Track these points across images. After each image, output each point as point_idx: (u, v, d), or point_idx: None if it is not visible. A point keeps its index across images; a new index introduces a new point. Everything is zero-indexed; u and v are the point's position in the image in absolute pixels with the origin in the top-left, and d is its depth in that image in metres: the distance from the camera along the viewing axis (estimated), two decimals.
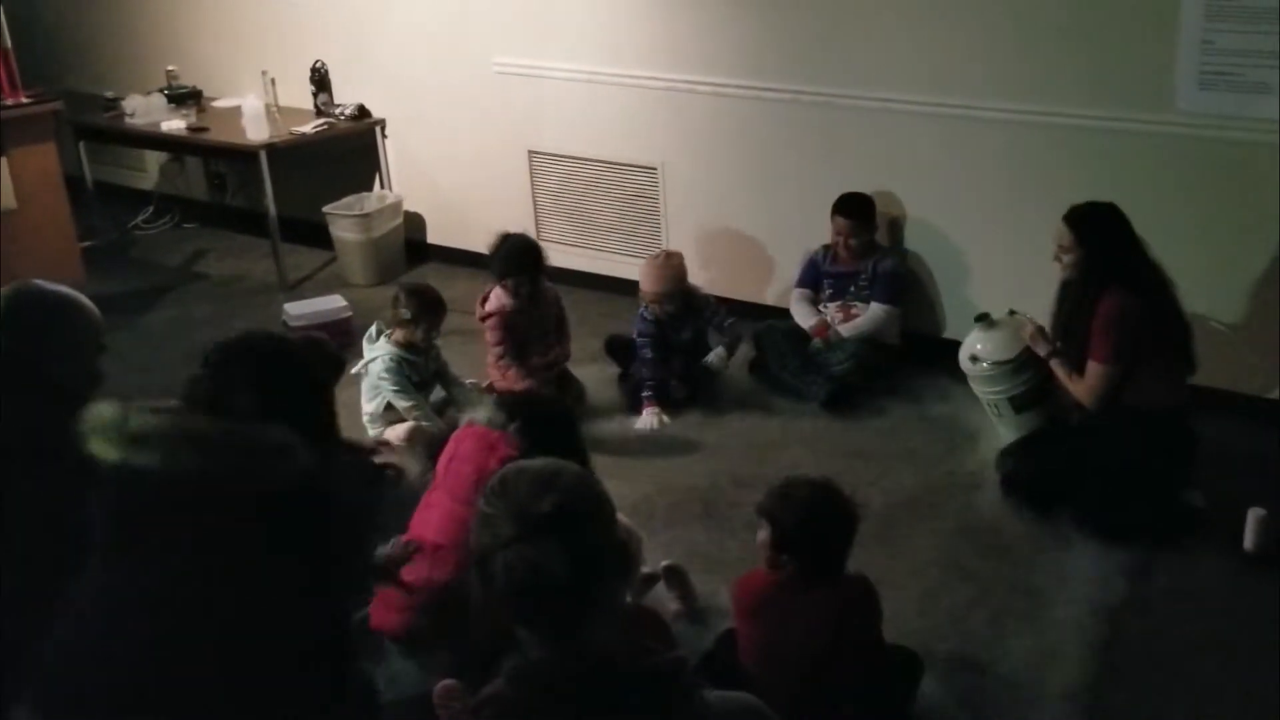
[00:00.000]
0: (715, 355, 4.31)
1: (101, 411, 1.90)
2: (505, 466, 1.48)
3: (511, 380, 4.17)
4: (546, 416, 2.93)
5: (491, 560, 1.36)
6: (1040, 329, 3.58)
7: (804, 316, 4.42)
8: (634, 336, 4.32)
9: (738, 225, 4.91)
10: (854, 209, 4.34)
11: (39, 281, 2.59)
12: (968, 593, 3.19)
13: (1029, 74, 4.08)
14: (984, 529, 3.47)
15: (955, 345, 4.43)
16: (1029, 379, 3.68)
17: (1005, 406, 3.74)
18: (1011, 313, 3.78)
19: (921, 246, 4.52)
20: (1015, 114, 4.13)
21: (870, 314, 4.35)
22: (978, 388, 3.82)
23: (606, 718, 1.34)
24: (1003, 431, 3.82)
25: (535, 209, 5.39)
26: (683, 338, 4.34)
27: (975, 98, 4.19)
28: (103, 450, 1.86)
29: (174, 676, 1.78)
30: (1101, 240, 3.38)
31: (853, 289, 4.39)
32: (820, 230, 4.53)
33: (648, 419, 4.17)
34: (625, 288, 5.15)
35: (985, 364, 3.74)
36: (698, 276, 4.76)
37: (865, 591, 2.59)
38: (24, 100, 4.65)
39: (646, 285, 4.27)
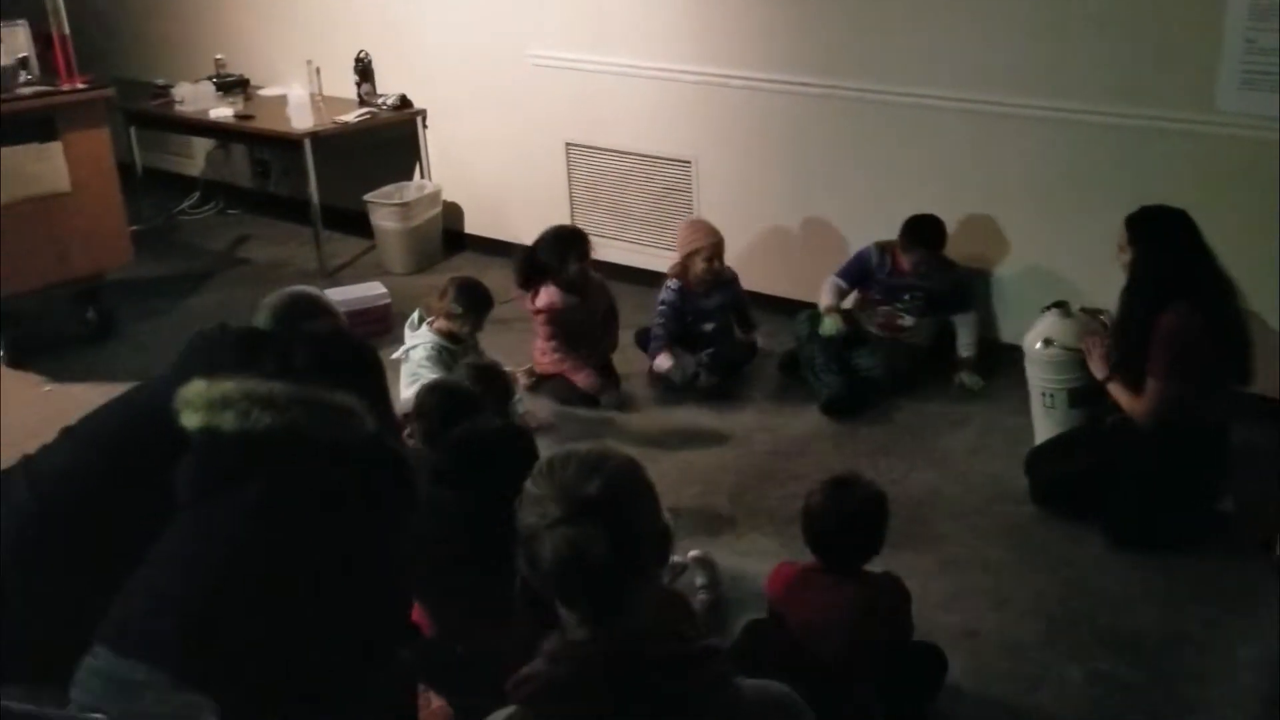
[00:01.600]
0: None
1: (193, 386, 2.08)
2: (554, 451, 1.51)
3: (565, 369, 4.30)
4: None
5: (538, 540, 1.40)
6: (1105, 350, 3.48)
7: (826, 300, 4.32)
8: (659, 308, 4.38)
9: (770, 220, 4.94)
10: (933, 239, 4.23)
11: (310, 289, 2.95)
12: (991, 593, 3.20)
13: (1065, 71, 4.07)
14: (1010, 530, 3.48)
15: (991, 344, 4.45)
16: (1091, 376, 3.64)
17: (1062, 398, 3.70)
18: (1083, 309, 3.75)
19: (951, 245, 4.52)
20: (1051, 112, 4.13)
21: (969, 329, 4.33)
22: (1040, 373, 3.75)
23: (643, 700, 1.36)
24: (1043, 426, 3.79)
25: (571, 201, 5.44)
26: (709, 305, 4.38)
27: (1010, 94, 4.19)
28: (190, 419, 2.04)
29: (241, 623, 1.89)
30: (1158, 244, 3.30)
31: (906, 297, 4.33)
32: (854, 226, 4.57)
33: (663, 361, 4.28)
34: (658, 280, 5.19)
35: (1058, 349, 3.67)
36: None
37: (891, 589, 2.61)
38: (79, 86, 4.74)
39: (694, 238, 4.31)
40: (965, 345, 4.35)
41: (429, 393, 3.25)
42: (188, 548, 2.00)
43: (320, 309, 2.83)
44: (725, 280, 4.44)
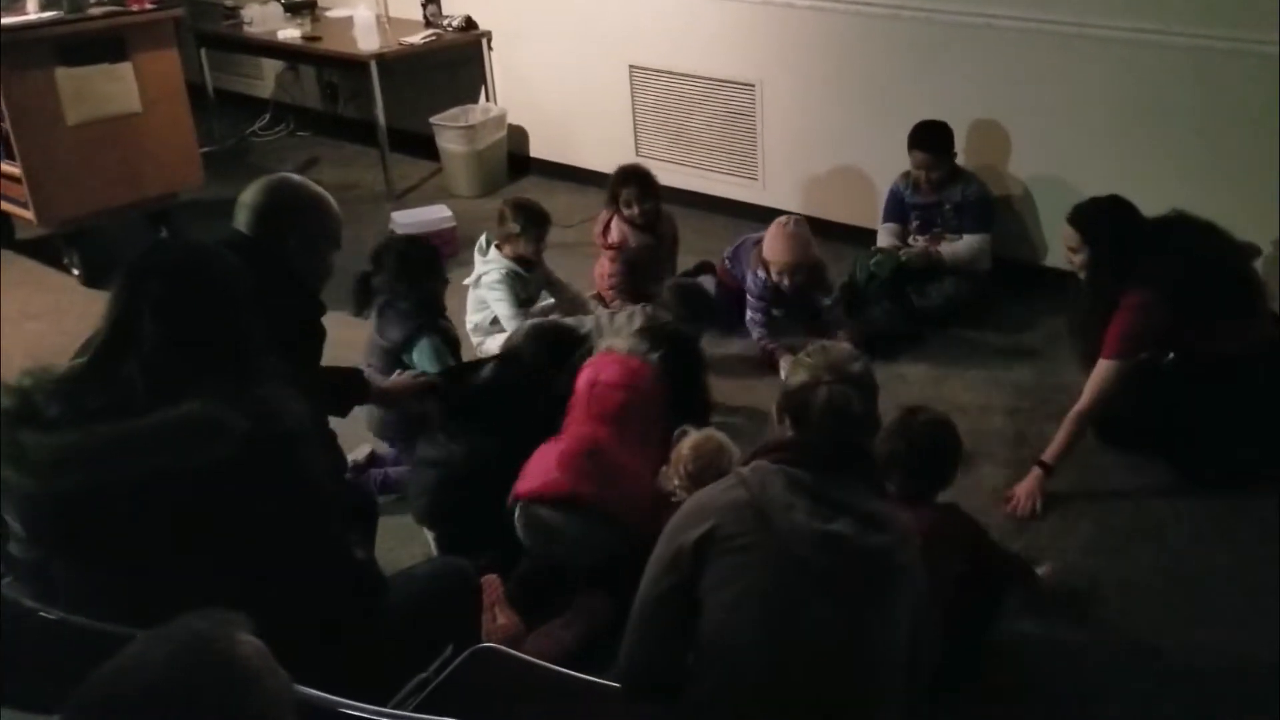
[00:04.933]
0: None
1: None
2: (819, 341, 2.11)
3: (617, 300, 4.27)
4: (686, 351, 3.30)
5: (814, 393, 1.95)
6: None
7: (886, 243, 4.33)
8: (746, 293, 4.12)
9: (835, 145, 4.86)
10: (932, 142, 4.20)
11: (294, 175, 2.75)
12: (1053, 526, 3.18)
13: None
14: (1074, 464, 3.40)
15: (1053, 273, 4.38)
16: None
17: None
18: None
19: (1023, 171, 4.42)
20: (1127, 33, 3.99)
21: (969, 244, 4.25)
22: None
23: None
24: None
25: (635, 125, 5.41)
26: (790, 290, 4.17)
27: (1086, 14, 4.06)
28: (12, 478, 1.73)
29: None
30: (1109, 238, 3.30)
31: (940, 219, 4.30)
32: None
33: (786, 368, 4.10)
34: (720, 206, 5.19)
35: None
36: (793, 198, 4.75)
37: (949, 520, 2.61)
38: (148, 7, 4.78)
39: (777, 255, 3.99)
40: (954, 253, 4.22)
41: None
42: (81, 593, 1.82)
43: (292, 196, 2.60)
44: (814, 281, 4.12)
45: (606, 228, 4.28)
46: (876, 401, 2.03)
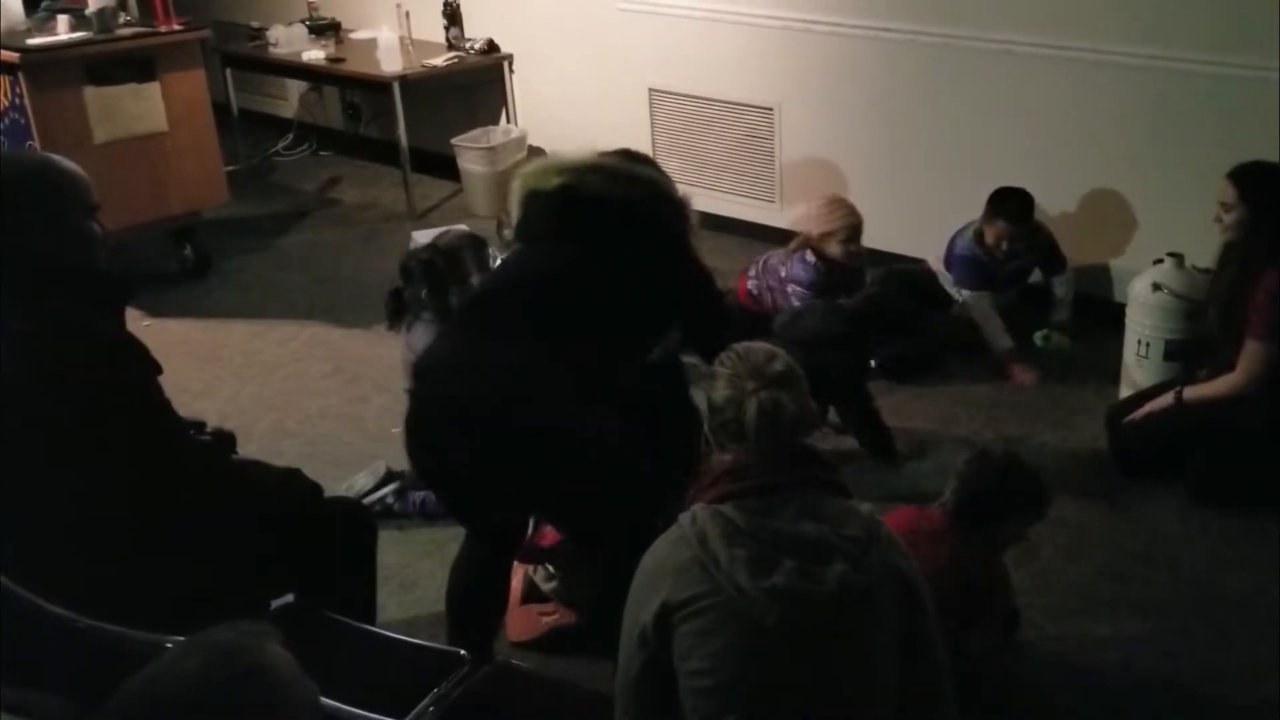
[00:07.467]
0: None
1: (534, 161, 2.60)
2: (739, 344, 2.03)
3: None
4: None
5: (743, 407, 1.88)
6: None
7: (996, 334, 4.07)
8: (789, 287, 4.01)
9: (852, 168, 4.89)
10: (1015, 213, 4.04)
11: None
12: (1065, 550, 3.18)
13: (1160, 16, 3.95)
14: (1087, 487, 3.44)
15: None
16: (1193, 331, 3.60)
17: (1157, 348, 3.66)
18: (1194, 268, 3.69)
19: (1040, 194, 4.43)
20: (1145, 59, 4.01)
21: (1064, 288, 4.22)
22: (1142, 319, 3.69)
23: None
24: (1132, 378, 3.75)
25: (653, 147, 5.44)
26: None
27: (1102, 41, 4.08)
28: (536, 181, 2.48)
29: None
30: (1268, 202, 3.23)
31: (1012, 288, 4.26)
32: (937, 175, 4.50)
33: None
34: (738, 228, 5.22)
35: (1167, 293, 3.62)
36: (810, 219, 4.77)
37: (977, 556, 2.58)
38: (176, 27, 4.84)
39: (841, 219, 3.93)
40: (1061, 308, 4.24)
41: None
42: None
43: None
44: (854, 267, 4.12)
45: None
46: (808, 395, 1.94)
